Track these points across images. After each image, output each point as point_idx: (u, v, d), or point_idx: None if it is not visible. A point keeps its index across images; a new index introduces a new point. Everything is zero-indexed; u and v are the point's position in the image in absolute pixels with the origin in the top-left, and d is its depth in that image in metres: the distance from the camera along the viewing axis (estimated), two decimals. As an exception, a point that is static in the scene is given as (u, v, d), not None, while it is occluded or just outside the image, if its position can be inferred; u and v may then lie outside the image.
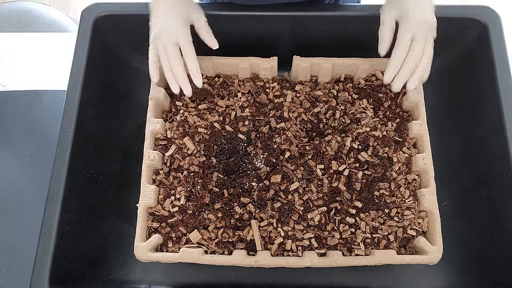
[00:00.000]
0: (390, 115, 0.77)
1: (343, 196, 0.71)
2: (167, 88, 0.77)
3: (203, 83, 0.78)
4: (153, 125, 0.74)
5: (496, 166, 0.73)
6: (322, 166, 0.72)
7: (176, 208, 0.70)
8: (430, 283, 0.75)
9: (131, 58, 0.87)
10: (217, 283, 0.75)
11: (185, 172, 0.73)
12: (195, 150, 0.74)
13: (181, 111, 0.77)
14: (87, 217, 0.74)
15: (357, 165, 0.73)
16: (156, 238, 0.68)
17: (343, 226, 0.69)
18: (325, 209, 0.70)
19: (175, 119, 0.77)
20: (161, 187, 0.72)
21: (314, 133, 0.76)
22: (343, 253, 0.68)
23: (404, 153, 0.74)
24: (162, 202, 0.71)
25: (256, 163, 0.73)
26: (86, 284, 0.71)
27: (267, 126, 0.75)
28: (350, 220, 0.69)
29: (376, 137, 0.74)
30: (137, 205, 0.69)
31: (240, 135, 0.75)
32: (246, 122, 0.76)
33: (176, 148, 0.74)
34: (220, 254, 0.69)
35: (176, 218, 0.70)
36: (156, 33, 0.69)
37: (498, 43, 0.77)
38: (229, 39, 0.74)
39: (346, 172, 0.72)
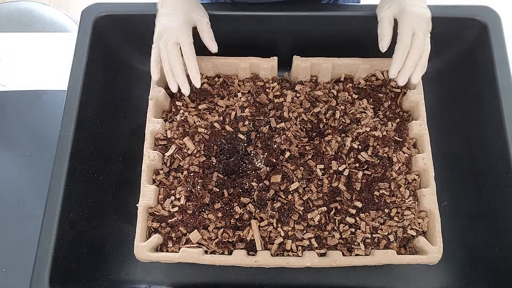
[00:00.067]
0: (390, 115, 0.77)
1: (343, 196, 0.71)
2: (167, 88, 0.76)
3: (203, 83, 0.78)
4: (153, 125, 0.74)
5: (496, 166, 0.73)
6: (322, 166, 0.72)
7: (176, 208, 0.70)
8: (430, 283, 0.75)
9: (131, 58, 0.87)
10: (217, 283, 0.75)
11: (185, 172, 0.73)
12: (195, 150, 0.74)
13: (181, 111, 0.77)
14: (87, 217, 0.74)
15: (357, 165, 0.73)
16: (156, 238, 0.68)
17: (343, 226, 0.69)
18: (325, 209, 0.70)
19: (175, 119, 0.77)
20: (161, 187, 0.72)
21: (314, 133, 0.75)
22: (343, 253, 0.68)
23: (404, 153, 0.74)
24: (162, 202, 0.71)
25: (256, 163, 0.73)
26: (86, 284, 0.71)
27: (267, 126, 0.75)
28: (350, 220, 0.69)
29: (376, 137, 0.74)
30: (137, 205, 0.69)
31: (240, 135, 0.75)
32: (246, 122, 0.76)
33: (176, 148, 0.74)
34: (220, 254, 0.69)
35: (176, 218, 0.70)
36: (159, 32, 0.70)
37: (498, 43, 0.77)
38: (229, 39, 0.74)
39: (346, 172, 0.72)
